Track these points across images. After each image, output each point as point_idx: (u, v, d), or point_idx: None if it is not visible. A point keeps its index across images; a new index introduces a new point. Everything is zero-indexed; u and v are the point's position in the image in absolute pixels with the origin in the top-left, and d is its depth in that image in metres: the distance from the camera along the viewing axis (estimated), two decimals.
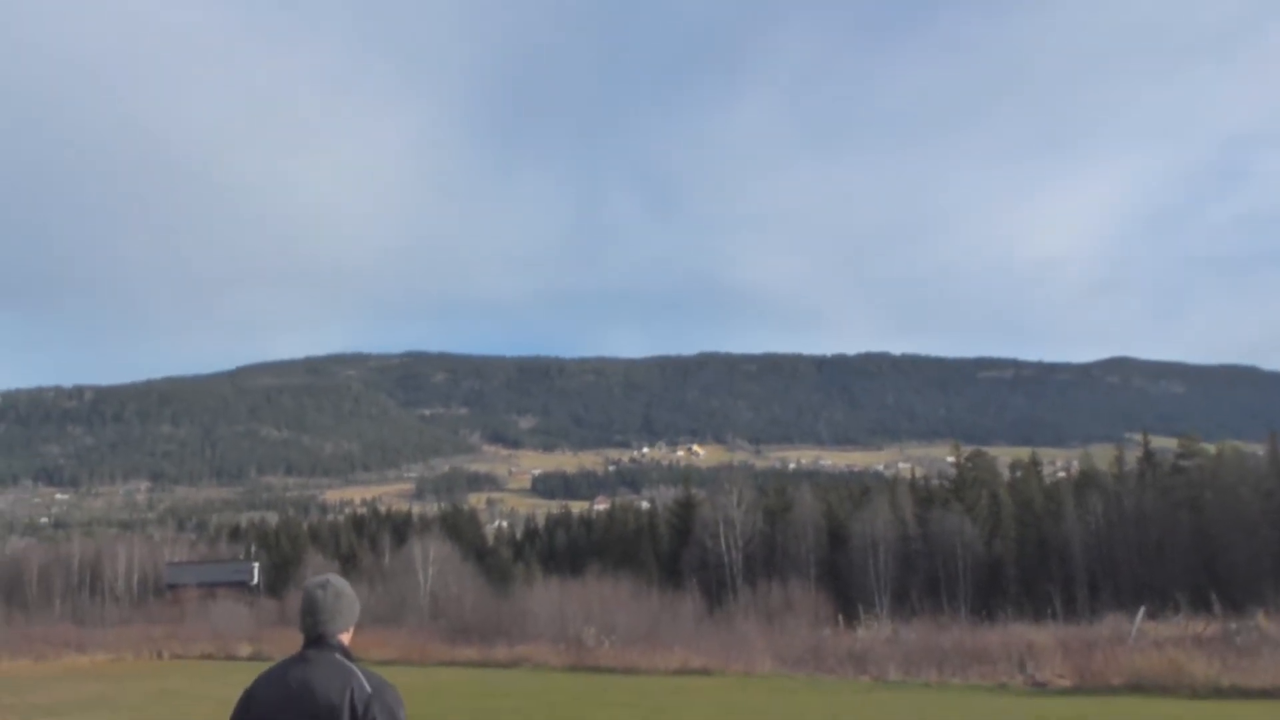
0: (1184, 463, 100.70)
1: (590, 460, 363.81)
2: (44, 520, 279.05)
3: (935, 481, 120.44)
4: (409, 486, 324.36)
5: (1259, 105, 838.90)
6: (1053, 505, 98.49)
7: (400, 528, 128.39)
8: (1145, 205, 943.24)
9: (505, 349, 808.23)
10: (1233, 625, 38.72)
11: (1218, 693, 24.42)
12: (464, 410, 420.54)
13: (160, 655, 61.17)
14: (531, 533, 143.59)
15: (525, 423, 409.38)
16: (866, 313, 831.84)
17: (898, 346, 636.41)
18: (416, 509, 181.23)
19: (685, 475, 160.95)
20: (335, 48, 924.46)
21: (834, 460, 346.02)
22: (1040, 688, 28.04)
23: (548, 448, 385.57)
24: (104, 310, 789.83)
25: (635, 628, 51.99)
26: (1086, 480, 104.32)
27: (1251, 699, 23.48)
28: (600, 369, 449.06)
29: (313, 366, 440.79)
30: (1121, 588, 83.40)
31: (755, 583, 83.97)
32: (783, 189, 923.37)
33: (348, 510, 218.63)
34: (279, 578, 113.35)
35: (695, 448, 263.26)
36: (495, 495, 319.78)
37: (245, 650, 59.38)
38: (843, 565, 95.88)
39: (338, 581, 5.26)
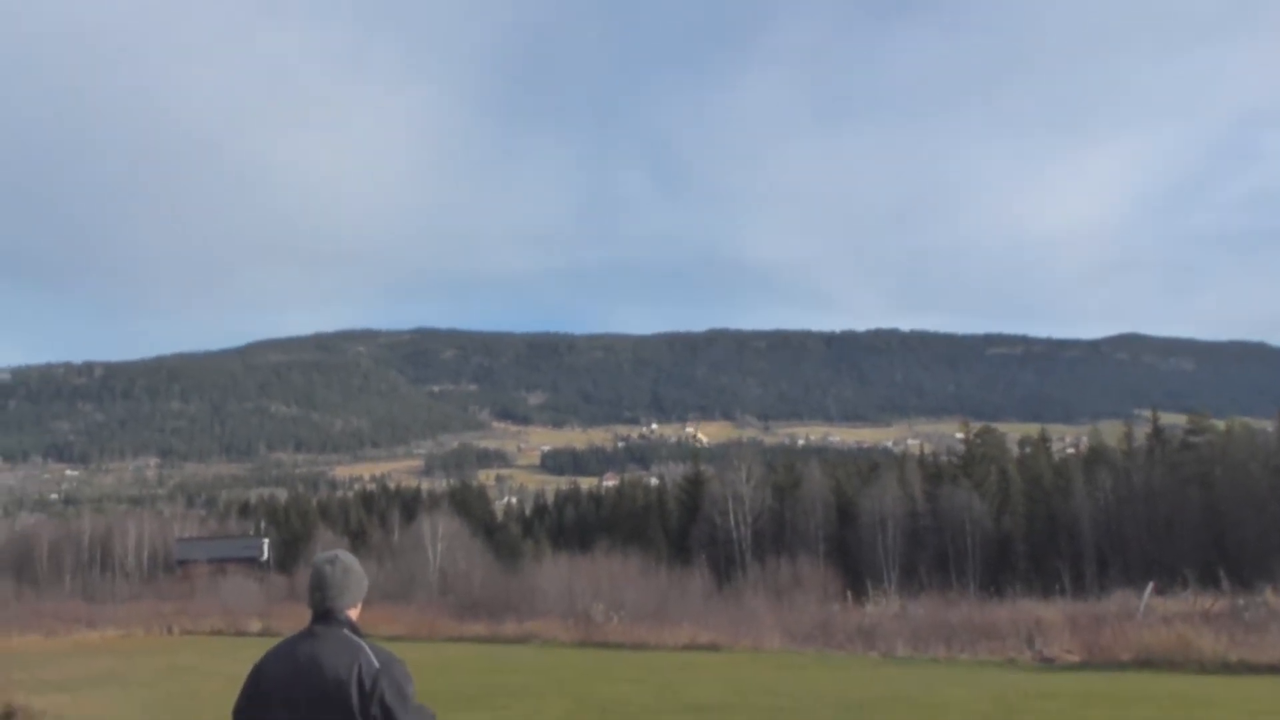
0: (1193, 439, 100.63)
1: (599, 437, 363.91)
2: (54, 496, 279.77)
3: (944, 458, 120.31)
4: (418, 463, 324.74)
5: (1270, 82, 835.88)
6: (1061, 482, 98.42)
7: (409, 504, 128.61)
8: (1155, 182, 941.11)
9: (514, 325, 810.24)
10: (1241, 601, 38.72)
11: (1226, 668, 24.42)
12: (473, 386, 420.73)
13: (170, 631, 61.30)
14: (540, 509, 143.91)
15: (534, 399, 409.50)
16: (876, 289, 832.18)
17: (907, 323, 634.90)
18: (425, 485, 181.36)
19: (694, 452, 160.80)
20: (345, 24, 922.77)
21: (843, 437, 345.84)
22: (1048, 663, 28.04)
23: (557, 424, 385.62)
24: (114, 287, 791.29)
25: (644, 604, 52.05)
26: (1095, 457, 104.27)
27: (1260, 674, 23.46)
28: (609, 345, 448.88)
29: (322, 343, 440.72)
30: (1130, 564, 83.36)
31: (764, 559, 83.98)
32: (792, 165, 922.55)
33: (357, 487, 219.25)
34: (289, 554, 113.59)
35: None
36: (504, 471, 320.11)
37: (255, 626, 59.45)
38: (851, 541, 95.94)
39: (346, 557, 5.23)
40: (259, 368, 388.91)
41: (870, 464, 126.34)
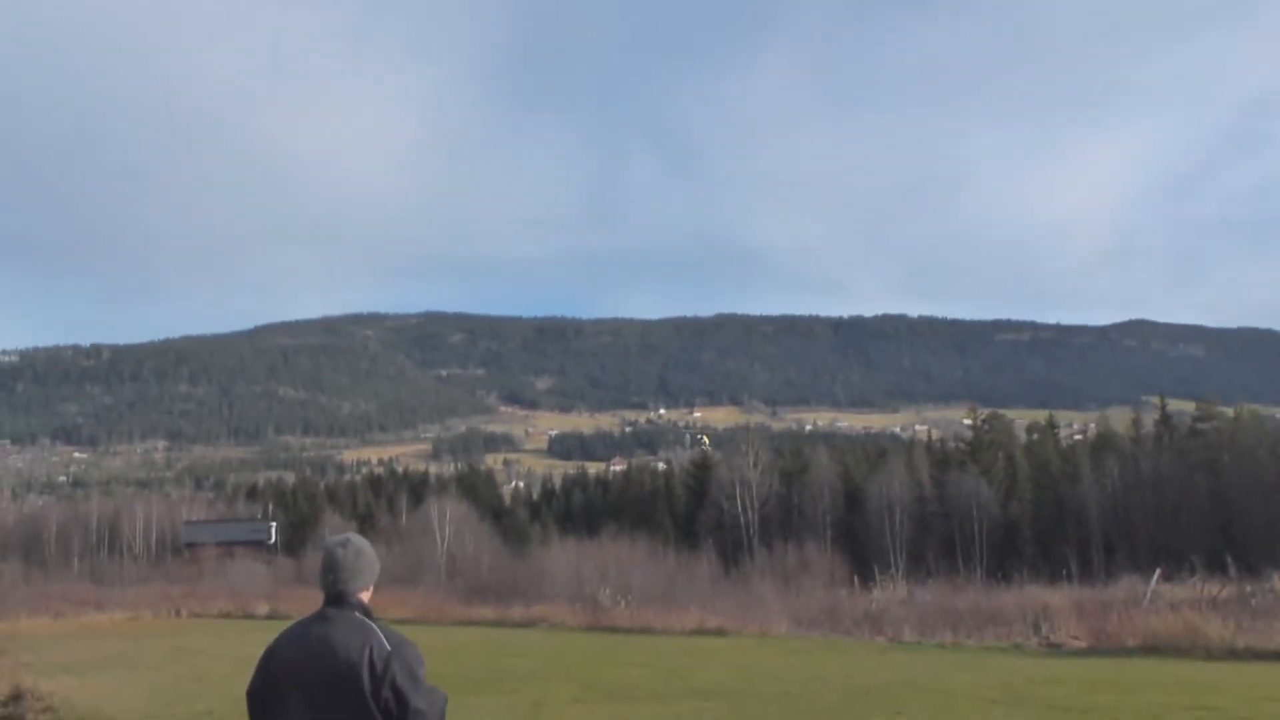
0: (1201, 425, 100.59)
1: (607, 421, 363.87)
2: (62, 479, 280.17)
3: (951, 444, 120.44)
4: (426, 447, 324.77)
5: (1278, 69, 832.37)
6: (1069, 468, 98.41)
7: (417, 488, 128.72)
8: (1164, 168, 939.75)
9: (522, 309, 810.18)
10: (1248, 588, 38.75)
11: (1233, 654, 24.43)
12: (481, 371, 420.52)
13: (178, 614, 61.42)
14: (548, 493, 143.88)
15: (542, 383, 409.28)
16: (884, 275, 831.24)
17: (915, 309, 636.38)
18: (433, 469, 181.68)
19: (702, 436, 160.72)
20: (351, 6, 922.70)
21: (850, 422, 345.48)
22: (1055, 649, 28.08)
23: (564, 408, 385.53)
24: (121, 270, 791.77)
25: (651, 588, 52.13)
26: (1103, 443, 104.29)
27: (1267, 661, 23.49)
28: (617, 330, 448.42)
29: (330, 326, 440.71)
30: (1137, 550, 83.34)
31: (771, 544, 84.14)
32: (801, 151, 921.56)
33: (365, 470, 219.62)
34: (296, 537, 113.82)
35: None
36: (512, 456, 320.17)
37: (263, 609, 59.56)
38: (859, 527, 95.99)
39: (358, 540, 5.25)
40: (267, 351, 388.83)
41: (878, 450, 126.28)
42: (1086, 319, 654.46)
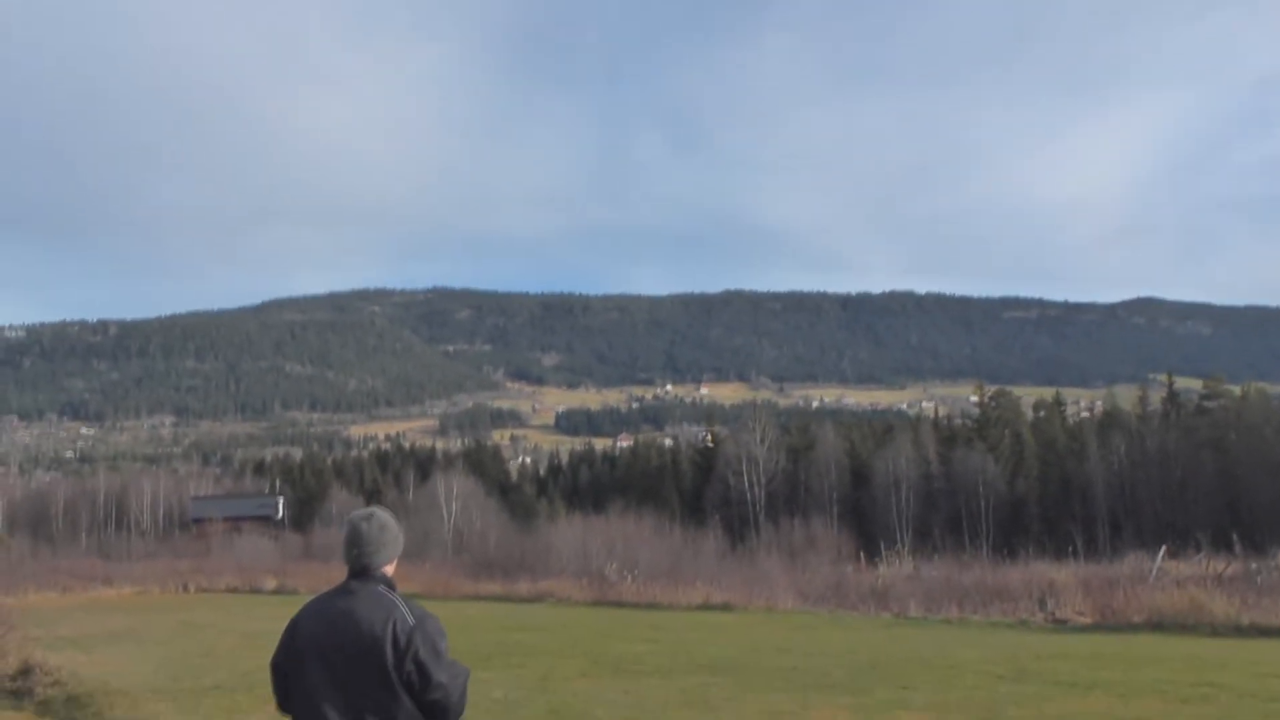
0: (1208, 403, 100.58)
1: (614, 397, 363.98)
2: (70, 454, 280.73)
3: (958, 420, 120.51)
4: (433, 422, 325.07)
5: None
6: (1076, 445, 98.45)
7: (424, 463, 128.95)
8: (1173, 146, 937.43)
9: (529, 285, 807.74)
10: (1254, 565, 38.73)
11: (1238, 631, 24.46)
12: (488, 346, 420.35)
13: (186, 588, 61.51)
14: (555, 469, 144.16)
15: (549, 359, 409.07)
16: (891, 251, 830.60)
17: (922, 285, 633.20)
18: (440, 445, 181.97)
19: (709, 412, 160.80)
20: None
21: (857, 399, 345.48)
22: (1061, 625, 28.11)
23: (571, 384, 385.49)
24: (128, 245, 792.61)
25: (658, 564, 52.18)
26: (1110, 420, 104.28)
27: (1272, 637, 23.51)
28: (624, 306, 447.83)
29: (337, 302, 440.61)
30: (1143, 527, 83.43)
31: (778, 520, 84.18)
32: (809, 127, 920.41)
33: (372, 446, 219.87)
34: (304, 512, 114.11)
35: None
36: (519, 431, 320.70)
37: (270, 584, 59.66)
38: (865, 503, 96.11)
39: (382, 514, 5.33)
40: (274, 326, 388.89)
41: (885, 426, 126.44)
42: (1094, 296, 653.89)
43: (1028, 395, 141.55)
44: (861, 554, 62.51)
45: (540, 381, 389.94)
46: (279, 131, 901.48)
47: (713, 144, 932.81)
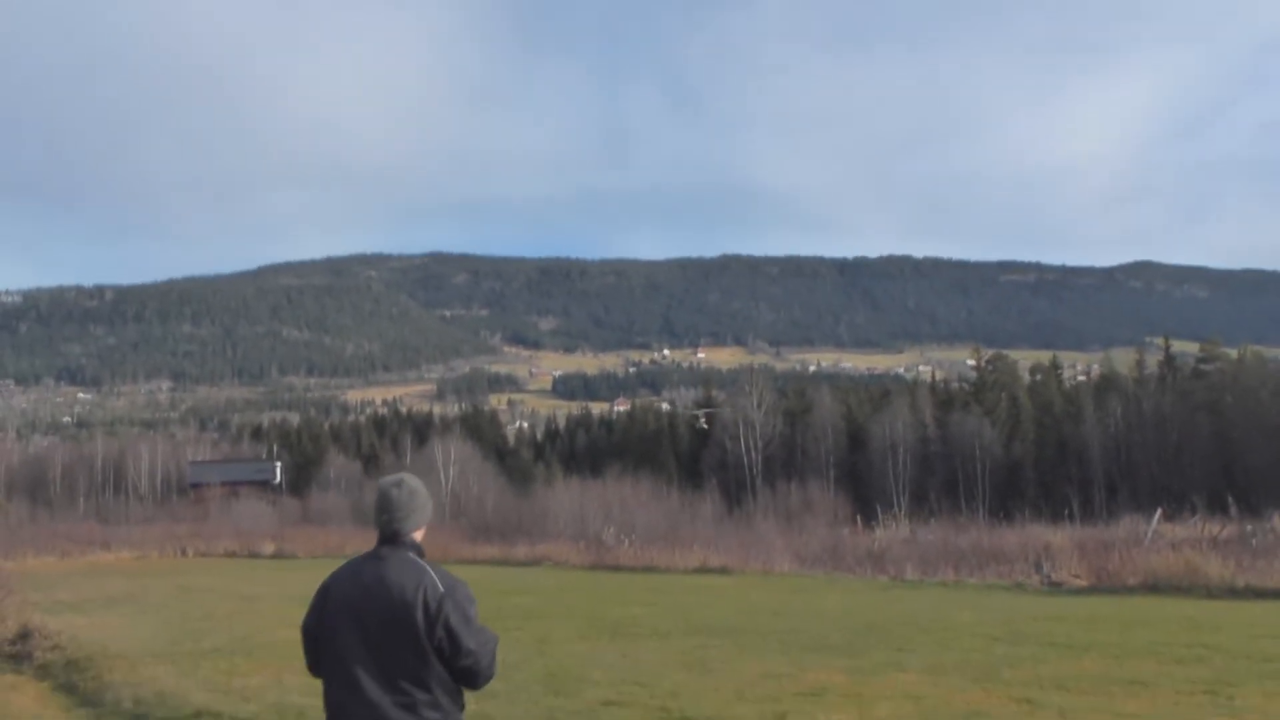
0: (1205, 367, 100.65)
1: (611, 361, 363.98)
2: (67, 419, 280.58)
3: (955, 384, 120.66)
4: (430, 387, 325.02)
5: None
6: (1072, 408, 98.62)
7: (421, 428, 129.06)
8: (1171, 109, 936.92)
9: (526, 250, 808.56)
10: (1249, 527, 38.87)
11: (1232, 593, 24.54)
12: (485, 311, 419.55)
13: (184, 553, 61.66)
14: (552, 433, 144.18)
15: (546, 324, 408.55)
16: (888, 215, 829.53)
17: (919, 249, 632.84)
18: (437, 409, 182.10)
19: (706, 376, 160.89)
20: None
21: (854, 363, 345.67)
22: (1056, 587, 28.19)
23: (568, 349, 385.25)
24: (125, 210, 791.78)
25: (655, 527, 52.35)
26: (1106, 384, 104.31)
27: (1266, 599, 23.59)
28: (621, 270, 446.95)
29: (334, 267, 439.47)
30: (1139, 490, 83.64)
31: (774, 484, 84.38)
32: (807, 91, 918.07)
33: (369, 411, 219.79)
34: (301, 477, 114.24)
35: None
36: (516, 396, 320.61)
37: (268, 549, 59.82)
38: (862, 467, 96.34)
39: (412, 480, 5.28)
40: (270, 291, 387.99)
41: (882, 390, 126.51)
42: (1091, 260, 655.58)
43: (1024, 359, 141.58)
44: (858, 517, 62.73)
45: (537, 346, 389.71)
46: (275, 94, 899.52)
47: (710, 107, 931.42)
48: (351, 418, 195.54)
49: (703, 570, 37.58)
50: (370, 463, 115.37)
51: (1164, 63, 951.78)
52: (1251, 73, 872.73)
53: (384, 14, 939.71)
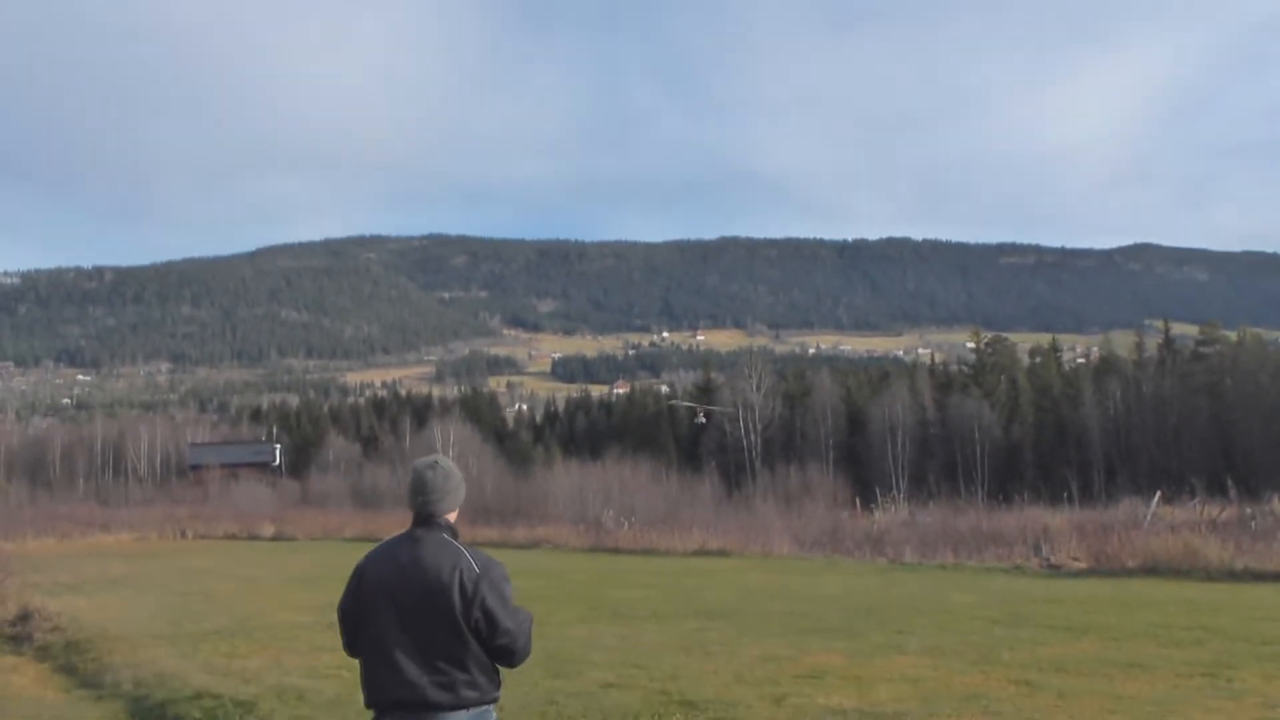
0: (1204, 349, 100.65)
1: (610, 344, 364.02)
2: (66, 401, 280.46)
3: (955, 367, 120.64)
4: (429, 369, 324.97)
5: None
6: (1071, 391, 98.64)
7: (420, 410, 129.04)
8: (1171, 92, 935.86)
9: (525, 232, 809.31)
10: (1248, 510, 38.85)
11: (1231, 576, 24.54)
12: (484, 293, 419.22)
13: (184, 535, 61.76)
14: (551, 416, 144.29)
15: (545, 306, 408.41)
16: (888, 198, 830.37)
17: (919, 232, 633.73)
18: (436, 392, 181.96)
19: (705, 359, 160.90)
20: None
21: (854, 345, 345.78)
22: (1055, 570, 28.19)
23: (567, 331, 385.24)
24: (124, 191, 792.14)
25: (654, 510, 52.36)
26: (1106, 366, 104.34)
27: (1265, 582, 23.59)
28: (620, 253, 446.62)
29: (332, 249, 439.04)
30: (1138, 473, 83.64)
31: (774, 466, 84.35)
32: (806, 73, 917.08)
33: (368, 393, 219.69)
34: (300, 459, 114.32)
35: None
36: (515, 378, 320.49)
37: (268, 531, 59.88)
38: (861, 449, 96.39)
39: (446, 463, 5.36)
40: (269, 273, 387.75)
41: (881, 373, 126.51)
42: (1091, 242, 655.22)
43: (1024, 341, 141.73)
44: (857, 500, 62.66)
45: (536, 328, 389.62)
46: (275, 77, 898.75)
47: (709, 90, 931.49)
48: (351, 400, 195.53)
49: (702, 553, 37.61)
50: (369, 445, 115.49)
51: (1164, 44, 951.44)
52: (1251, 55, 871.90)
53: None
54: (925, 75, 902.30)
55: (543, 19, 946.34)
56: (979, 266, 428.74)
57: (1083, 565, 28.22)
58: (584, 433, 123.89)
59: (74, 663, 16.38)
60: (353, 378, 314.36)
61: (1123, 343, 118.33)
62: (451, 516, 5.26)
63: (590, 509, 54.36)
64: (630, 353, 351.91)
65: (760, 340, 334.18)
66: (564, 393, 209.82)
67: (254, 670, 14.59)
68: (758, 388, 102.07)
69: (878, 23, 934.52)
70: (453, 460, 5.40)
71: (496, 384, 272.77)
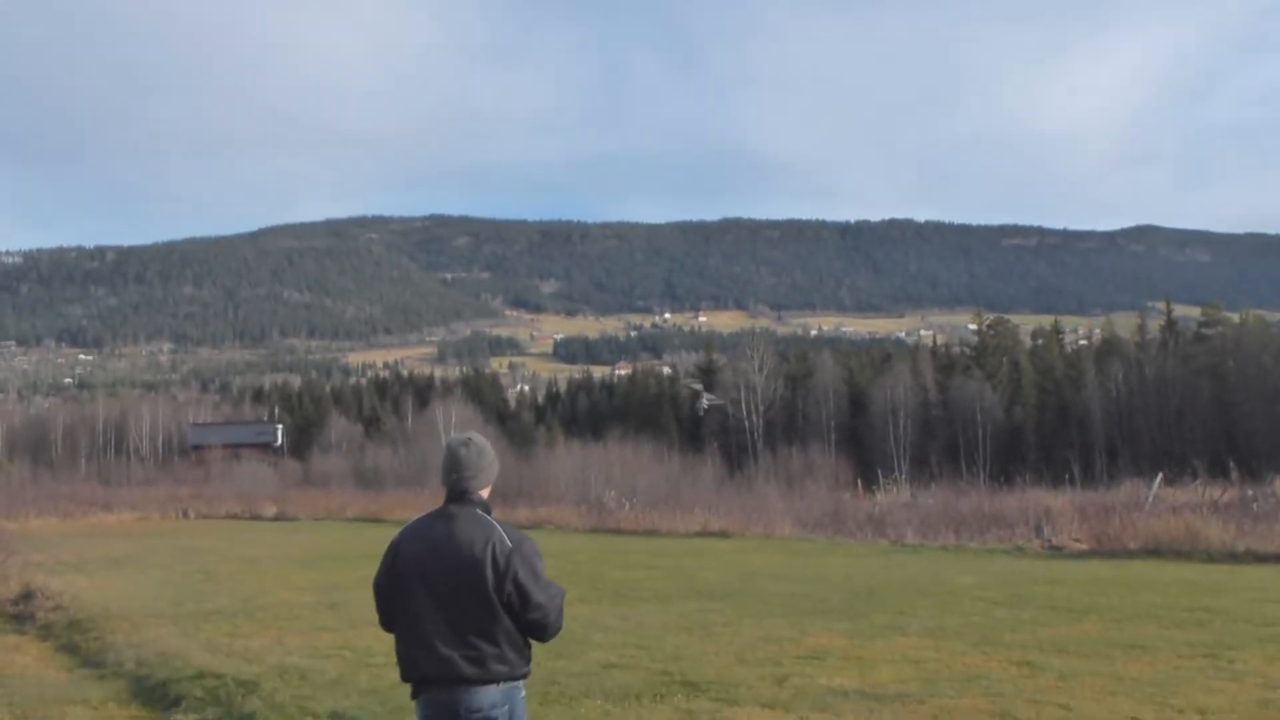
0: (1206, 331, 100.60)
1: (612, 325, 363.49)
2: (68, 381, 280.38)
3: (957, 348, 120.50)
4: (431, 350, 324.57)
5: None
6: (1073, 373, 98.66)
7: (423, 391, 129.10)
8: (1174, 73, 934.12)
9: (528, 213, 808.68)
10: (1250, 491, 38.90)
11: (1233, 557, 24.56)
12: (486, 274, 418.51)
13: (186, 514, 61.83)
14: (553, 397, 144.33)
15: (547, 287, 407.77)
16: (891, 179, 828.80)
17: (921, 213, 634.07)
18: (438, 372, 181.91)
19: (707, 340, 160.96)
20: None
21: (856, 327, 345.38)
22: (1057, 551, 28.22)
23: (570, 312, 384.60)
24: (126, 171, 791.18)
25: (656, 491, 52.43)
26: (1108, 348, 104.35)
27: (1267, 564, 23.61)
28: (623, 233, 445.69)
29: (334, 229, 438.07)
30: (1140, 454, 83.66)
31: (775, 447, 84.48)
32: (809, 54, 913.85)
33: (370, 373, 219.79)
34: (302, 439, 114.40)
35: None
36: (517, 359, 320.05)
37: (270, 511, 59.98)
38: (863, 431, 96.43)
39: (479, 440, 5.43)
40: (271, 253, 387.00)
41: (883, 354, 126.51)
42: (1094, 224, 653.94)
43: (1026, 323, 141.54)
44: (859, 481, 62.73)
45: (538, 309, 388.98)
46: (276, 57, 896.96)
47: (712, 70, 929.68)
48: (353, 380, 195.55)
49: (703, 534, 37.64)
50: (371, 425, 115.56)
51: (1167, 26, 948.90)
52: (1254, 37, 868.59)
53: None
54: (929, 56, 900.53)
55: None
56: (981, 248, 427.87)
57: (1084, 547, 28.25)
58: (586, 414, 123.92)
59: (76, 642, 16.40)
60: (355, 358, 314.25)
61: (1125, 324, 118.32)
62: (485, 493, 5.35)
63: (592, 490, 54.45)
64: (632, 334, 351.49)
65: (762, 321, 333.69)
66: (566, 373, 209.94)
67: (256, 650, 14.62)
68: (760, 369, 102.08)
69: (881, 3, 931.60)
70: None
71: (498, 365, 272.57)
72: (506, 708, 5.04)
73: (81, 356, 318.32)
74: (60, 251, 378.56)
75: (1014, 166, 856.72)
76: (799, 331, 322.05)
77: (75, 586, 22.44)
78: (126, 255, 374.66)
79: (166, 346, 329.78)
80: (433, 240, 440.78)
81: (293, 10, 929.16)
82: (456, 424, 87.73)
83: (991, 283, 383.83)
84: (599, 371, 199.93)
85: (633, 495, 49.59)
